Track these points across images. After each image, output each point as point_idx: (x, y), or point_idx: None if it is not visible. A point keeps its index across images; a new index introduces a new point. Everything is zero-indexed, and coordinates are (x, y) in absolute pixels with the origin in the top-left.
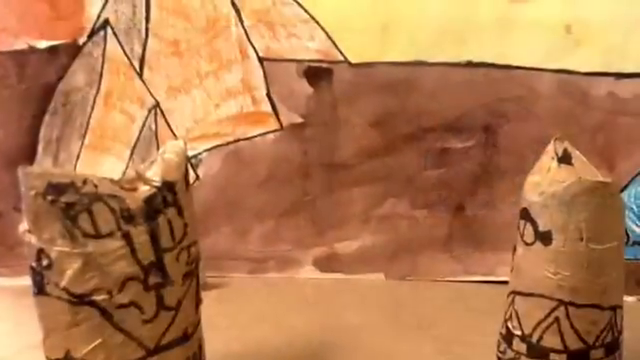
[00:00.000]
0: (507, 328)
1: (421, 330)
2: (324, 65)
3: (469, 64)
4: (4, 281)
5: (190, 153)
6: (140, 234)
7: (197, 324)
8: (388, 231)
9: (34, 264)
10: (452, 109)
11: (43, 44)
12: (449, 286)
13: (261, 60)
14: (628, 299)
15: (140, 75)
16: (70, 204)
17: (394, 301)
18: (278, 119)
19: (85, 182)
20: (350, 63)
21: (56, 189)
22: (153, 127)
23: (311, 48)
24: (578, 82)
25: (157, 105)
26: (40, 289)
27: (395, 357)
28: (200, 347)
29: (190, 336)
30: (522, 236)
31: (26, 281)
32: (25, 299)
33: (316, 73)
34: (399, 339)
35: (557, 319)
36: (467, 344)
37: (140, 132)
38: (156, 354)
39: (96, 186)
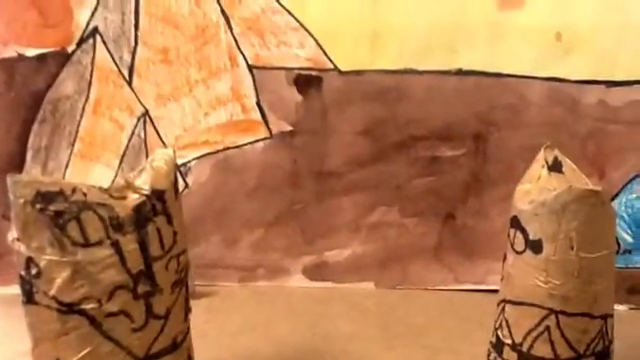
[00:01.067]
0: (497, 337)
1: (411, 339)
2: (314, 73)
3: (459, 72)
4: None
5: (179, 161)
6: (129, 242)
7: (186, 333)
8: (378, 240)
9: (23, 273)
10: (442, 117)
11: (32, 52)
12: (439, 295)
13: (251, 68)
14: (619, 308)
15: (129, 83)
16: (59, 212)
17: (384, 310)
18: (268, 127)
19: (74, 190)
20: (340, 71)
21: (45, 197)
22: (142, 135)
23: (301, 56)
24: (568, 90)
25: (146, 113)
26: (29, 298)
27: None
28: (189, 356)
29: (179, 345)
30: (512, 244)
31: (15, 290)
32: (14, 308)
33: (306, 81)
34: (389, 348)
35: (548, 328)
36: (457, 353)
37: (129, 140)
38: None
39: (85, 194)
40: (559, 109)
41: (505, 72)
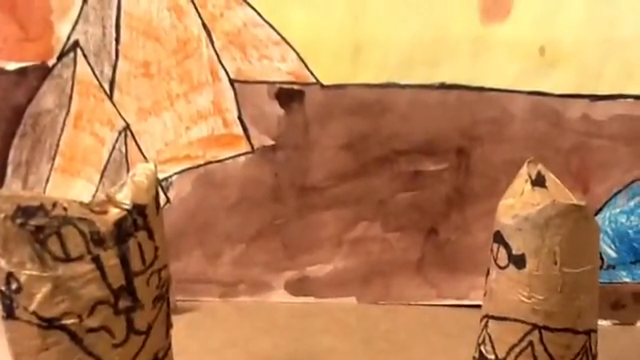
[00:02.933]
0: (480, 352)
1: (394, 355)
2: (295, 87)
3: (442, 86)
4: None
5: (161, 176)
6: (110, 258)
7: (168, 348)
8: (360, 255)
9: (3, 288)
10: (425, 131)
11: (12, 66)
12: (422, 310)
13: (232, 82)
14: (603, 323)
15: (110, 97)
16: (40, 227)
17: (366, 325)
18: (249, 142)
19: (54, 205)
20: (322, 85)
21: (25, 212)
22: (123, 150)
23: (282, 70)
24: (552, 104)
25: (127, 127)
26: (9, 313)
27: None
28: None
29: None
30: (495, 260)
31: None
32: None
33: (288, 95)
34: None
35: (531, 343)
36: None
37: (110, 155)
38: None
39: (65, 209)
40: (542, 123)
41: (488, 86)
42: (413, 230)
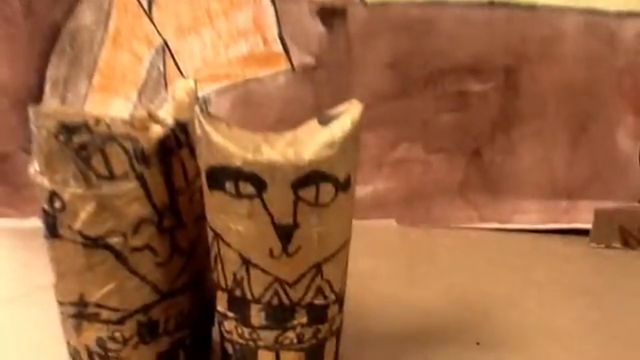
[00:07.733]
0: None
1: (435, 278)
2: (338, 4)
3: (491, 4)
4: (10, 222)
5: (199, 94)
6: (154, 175)
7: (209, 268)
8: (401, 176)
9: (46, 206)
10: (471, 50)
11: None
12: (463, 233)
13: None
14: None
15: (149, 14)
16: (83, 145)
17: (407, 248)
18: (290, 60)
19: (98, 122)
20: (365, 2)
21: (68, 129)
22: (161, 68)
23: None
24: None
25: (166, 45)
26: (53, 232)
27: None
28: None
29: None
30: None
31: (33, 223)
32: (33, 241)
33: (330, 12)
34: (412, 287)
35: None
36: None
37: (148, 73)
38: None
39: (109, 126)
40: (596, 42)
41: (540, 3)
42: (456, 152)
